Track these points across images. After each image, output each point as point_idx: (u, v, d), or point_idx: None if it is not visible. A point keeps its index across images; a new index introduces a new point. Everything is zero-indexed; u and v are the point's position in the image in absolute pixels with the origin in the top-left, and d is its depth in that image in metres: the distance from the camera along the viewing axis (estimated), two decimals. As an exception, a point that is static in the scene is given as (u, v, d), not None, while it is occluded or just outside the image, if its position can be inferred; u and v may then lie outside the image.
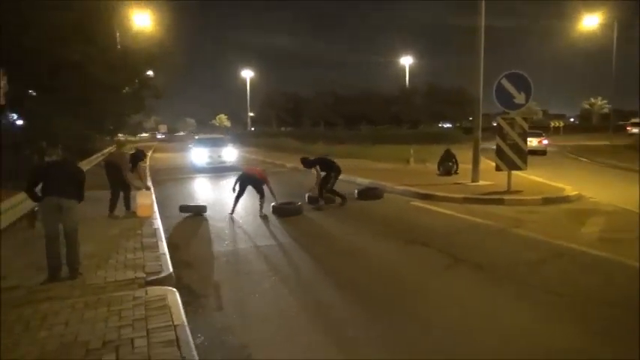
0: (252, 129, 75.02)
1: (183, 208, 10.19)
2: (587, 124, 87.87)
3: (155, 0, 25.75)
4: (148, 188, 10.69)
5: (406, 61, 66.40)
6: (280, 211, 9.77)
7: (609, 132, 42.80)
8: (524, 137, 11.35)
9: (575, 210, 9.71)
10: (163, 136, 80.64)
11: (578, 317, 4.47)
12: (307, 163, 10.97)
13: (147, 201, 9.42)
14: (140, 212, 9.24)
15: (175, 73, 28.71)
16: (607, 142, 38.37)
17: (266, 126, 79.08)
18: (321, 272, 6.09)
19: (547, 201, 10.42)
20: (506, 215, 9.24)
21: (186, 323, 4.17)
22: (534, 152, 26.49)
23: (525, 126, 11.39)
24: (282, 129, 74.63)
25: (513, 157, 11.29)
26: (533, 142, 28.92)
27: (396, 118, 73.86)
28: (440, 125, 76.25)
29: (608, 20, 40.09)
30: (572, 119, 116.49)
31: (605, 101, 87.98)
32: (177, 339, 3.85)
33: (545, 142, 29.52)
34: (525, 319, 4.47)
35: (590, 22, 40.99)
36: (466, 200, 10.68)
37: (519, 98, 11.30)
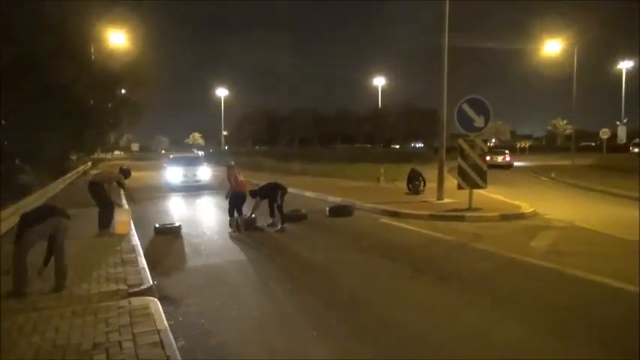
0: (227, 147, 75.18)
1: (158, 230, 10.32)
2: (552, 145, 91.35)
3: (131, 17, 26.16)
4: (122, 206, 10.96)
5: (379, 81, 68.00)
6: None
7: (571, 152, 44.87)
8: (483, 158, 12.15)
9: (528, 226, 10.48)
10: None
11: (524, 318, 5.10)
12: (253, 194, 11.10)
13: (124, 218, 9.74)
14: (118, 229, 9.56)
15: (150, 91, 28.96)
16: (569, 162, 40.12)
17: (241, 145, 79.41)
18: (291, 283, 6.57)
19: (504, 217, 11.18)
20: (466, 231, 9.93)
21: (168, 328, 4.60)
22: (501, 167, 33.88)
23: (485, 147, 12.22)
24: (257, 147, 75.11)
25: (474, 177, 12.07)
26: (498, 158, 35.76)
27: (370, 136, 75.32)
28: (413, 144, 78.06)
29: (570, 46, 42.30)
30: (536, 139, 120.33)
31: (565, 122, 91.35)
32: (162, 341, 4.28)
33: (508, 158, 35.99)
34: (477, 319, 5.07)
35: (553, 47, 43.27)
36: (431, 217, 11.36)
37: (479, 122, 12.14)
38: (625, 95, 50.62)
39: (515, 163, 39.50)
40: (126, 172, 10.77)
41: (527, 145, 66.87)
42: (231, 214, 10.57)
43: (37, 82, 15.46)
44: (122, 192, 11.47)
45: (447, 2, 13.58)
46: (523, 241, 8.93)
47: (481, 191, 15.47)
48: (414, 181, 16.25)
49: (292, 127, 72.56)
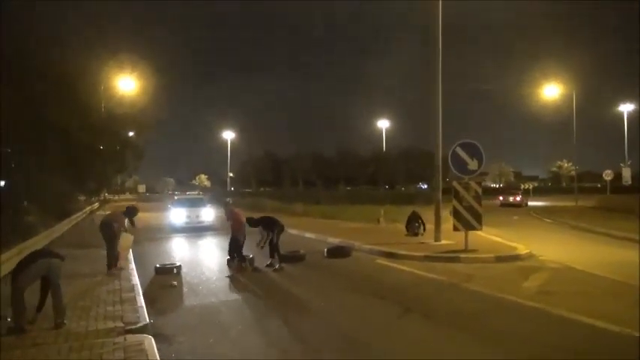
0: (232, 189, 75.83)
1: (159, 270, 10.50)
2: (557, 186, 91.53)
3: (139, 61, 27.26)
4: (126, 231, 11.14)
5: (383, 124, 69.08)
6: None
7: (575, 194, 45.12)
8: (478, 200, 12.41)
9: (522, 267, 10.61)
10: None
11: (507, 356, 5.25)
12: (252, 222, 11.18)
13: (128, 242, 10.19)
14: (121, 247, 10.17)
15: (155, 133, 29.92)
16: (573, 204, 40.18)
17: (246, 186, 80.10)
18: (283, 321, 6.74)
19: (499, 259, 11.33)
20: (460, 271, 10.08)
21: (160, 364, 4.79)
22: (514, 205, 40.57)
23: (479, 190, 12.50)
24: (262, 189, 75.72)
25: (469, 218, 12.29)
26: (510, 198, 42.42)
27: (373, 178, 75.81)
28: (417, 186, 78.34)
29: (568, 90, 43.24)
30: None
31: (570, 164, 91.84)
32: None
33: (519, 198, 41.70)
34: (459, 356, 5.22)
35: (551, 91, 44.25)
36: (426, 258, 11.52)
37: (472, 165, 12.48)
38: (628, 137, 51.16)
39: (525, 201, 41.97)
40: (132, 210, 11.05)
41: (530, 187, 67.02)
42: (231, 255, 10.82)
43: (44, 128, 16.06)
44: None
45: (440, 50, 14.22)
46: (515, 282, 9.06)
47: (480, 233, 15.65)
48: (413, 223, 16.44)
49: (295, 169, 73.35)
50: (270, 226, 11.13)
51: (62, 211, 20.00)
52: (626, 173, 51.42)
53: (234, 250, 10.78)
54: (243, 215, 11.42)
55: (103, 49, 22.54)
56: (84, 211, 26.22)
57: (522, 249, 12.48)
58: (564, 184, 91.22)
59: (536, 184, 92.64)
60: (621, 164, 52.43)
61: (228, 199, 11.21)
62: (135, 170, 37.45)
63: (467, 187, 12.40)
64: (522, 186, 66.45)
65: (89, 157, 20.85)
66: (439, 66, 14.19)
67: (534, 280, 9.12)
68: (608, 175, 48.07)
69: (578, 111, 41.55)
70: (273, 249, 10.96)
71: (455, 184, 12.48)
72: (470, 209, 12.32)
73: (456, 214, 12.35)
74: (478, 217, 12.40)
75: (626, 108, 51.44)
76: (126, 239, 10.39)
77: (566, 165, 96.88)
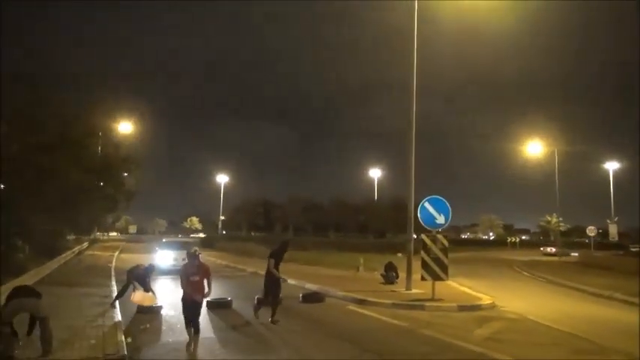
0: (224, 232, 76.13)
1: (141, 309, 11.14)
2: (546, 240, 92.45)
3: (137, 104, 28.56)
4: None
5: (375, 173, 70.36)
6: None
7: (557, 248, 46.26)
8: (444, 252, 13.26)
9: (481, 316, 11.36)
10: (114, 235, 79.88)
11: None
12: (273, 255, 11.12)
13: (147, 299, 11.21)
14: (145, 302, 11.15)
15: (150, 175, 30.86)
16: (556, 258, 41.03)
17: (237, 230, 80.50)
18: (248, 354, 7.47)
19: (461, 308, 12.09)
20: (421, 319, 10.82)
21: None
22: (551, 255, 49.22)
23: (445, 242, 13.38)
24: (253, 233, 76.10)
25: (436, 269, 13.10)
26: (547, 249, 52.85)
27: (363, 226, 76.45)
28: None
29: (550, 148, 45.07)
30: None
31: (559, 219, 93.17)
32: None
33: (554, 250, 50.75)
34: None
35: (534, 149, 46.05)
36: (393, 305, 12.27)
37: (440, 219, 13.45)
38: (614, 194, 52.51)
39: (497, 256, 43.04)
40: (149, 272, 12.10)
41: (517, 240, 67.99)
42: (186, 324, 8.02)
43: (39, 169, 16.86)
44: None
45: (414, 106, 15.48)
46: (469, 329, 9.81)
47: (452, 283, 16.47)
48: (389, 272, 17.22)
49: (287, 215, 74.18)
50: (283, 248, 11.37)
51: (52, 249, 20.61)
52: (613, 230, 52.56)
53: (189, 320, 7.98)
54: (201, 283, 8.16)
55: (102, 92, 23.76)
56: (72, 250, 26.72)
57: (486, 299, 13.25)
58: (552, 238, 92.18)
59: (524, 238, 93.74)
60: (608, 220, 53.68)
61: (195, 249, 8.82)
62: (125, 211, 38.05)
63: (434, 240, 13.29)
64: (508, 239, 67.38)
65: (81, 198, 21.60)
66: (413, 127, 15.42)
67: (487, 328, 9.88)
68: (591, 231, 49.23)
69: (565, 168, 43.28)
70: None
71: (423, 236, 13.38)
72: (437, 260, 13.15)
73: (423, 264, 13.18)
74: (444, 268, 13.21)
75: (611, 166, 53.23)
76: (147, 298, 11.34)
77: (555, 220, 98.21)
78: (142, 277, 11.65)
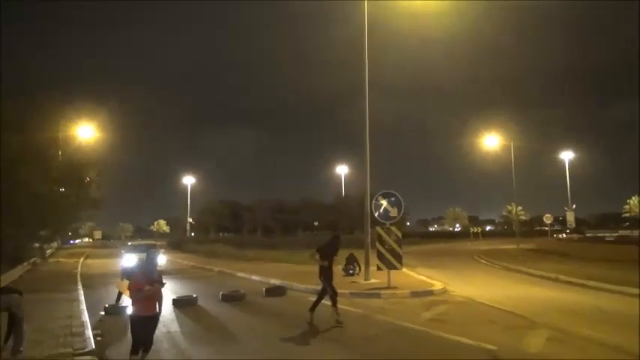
0: (193, 234, 75.64)
1: (107, 310, 11.63)
2: (510, 229, 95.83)
3: (99, 107, 28.34)
4: None
5: (342, 170, 71.23)
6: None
7: (519, 237, 48.38)
8: (399, 243, 14.13)
9: (431, 301, 12.27)
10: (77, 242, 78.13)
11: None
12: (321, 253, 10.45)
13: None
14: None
15: (114, 179, 30.64)
16: (515, 246, 42.87)
17: (205, 232, 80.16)
18: (209, 345, 8.09)
19: (414, 294, 12.98)
20: (376, 305, 11.64)
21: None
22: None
23: (399, 234, 14.24)
24: (221, 234, 75.94)
25: (391, 259, 13.96)
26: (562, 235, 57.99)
27: (333, 224, 77.28)
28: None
29: (507, 141, 46.96)
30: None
31: (520, 209, 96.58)
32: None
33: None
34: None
35: (491, 142, 47.85)
36: (352, 295, 13.05)
37: (393, 212, 14.32)
38: (570, 183, 55.07)
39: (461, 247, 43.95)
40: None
41: (479, 231, 70.34)
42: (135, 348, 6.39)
43: None
44: None
45: (367, 102, 16.32)
46: (418, 312, 10.69)
47: (410, 272, 17.40)
48: (350, 265, 18.03)
49: (254, 216, 74.42)
50: (334, 244, 10.54)
51: (16, 259, 20.51)
52: (570, 217, 55.31)
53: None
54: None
55: (62, 96, 23.49)
56: (33, 259, 26.48)
57: (438, 286, 14.20)
58: (515, 228, 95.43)
59: (488, 228, 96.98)
60: (565, 208, 56.31)
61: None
62: (89, 218, 37.68)
63: (388, 232, 14.14)
64: (471, 230, 69.59)
65: (43, 206, 21.46)
66: (367, 127, 16.26)
67: (433, 311, 10.77)
68: (548, 218, 51.72)
69: (525, 160, 45.28)
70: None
71: (378, 229, 14.21)
72: (391, 251, 14.01)
73: (379, 255, 14.01)
74: (399, 258, 14.09)
75: (566, 156, 55.87)
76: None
77: (516, 209, 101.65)
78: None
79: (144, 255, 20.41)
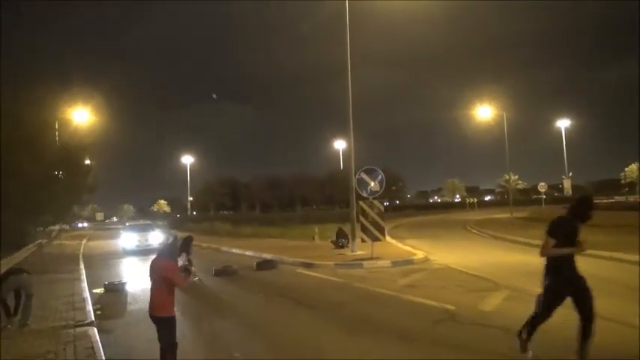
0: (194, 213, 76.70)
1: (108, 287, 12.40)
2: (506, 199, 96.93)
3: (96, 91, 28.82)
4: None
5: (339, 144, 71.64)
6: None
7: (514, 206, 49.34)
8: (381, 215, 14.88)
9: (410, 269, 13.09)
10: (85, 225, 79.21)
11: (343, 325, 7.58)
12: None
13: None
14: None
15: (115, 161, 31.41)
16: (509, 215, 43.68)
17: (205, 211, 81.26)
18: (206, 315, 8.91)
19: (395, 263, 13.80)
20: (358, 275, 12.46)
21: (100, 342, 6.87)
22: None
23: (381, 207, 14.98)
24: (221, 212, 77.02)
25: (373, 231, 14.74)
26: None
27: (330, 198, 78.30)
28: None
29: (500, 112, 47.29)
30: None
31: (517, 178, 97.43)
32: (94, 349, 6.56)
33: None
34: (310, 326, 7.53)
35: (484, 113, 48.21)
36: (336, 266, 13.89)
37: (375, 186, 15.03)
38: (568, 151, 55.57)
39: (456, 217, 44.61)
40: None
41: (475, 201, 71.34)
42: None
43: None
44: None
45: (349, 83, 16.86)
46: (395, 280, 11.49)
47: (398, 244, 18.22)
48: (340, 238, 18.86)
49: (252, 193, 75.31)
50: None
51: (19, 243, 21.25)
52: (567, 184, 56.12)
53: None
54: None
55: (58, 80, 24.01)
56: (36, 243, 27.31)
57: (420, 255, 15.03)
58: (511, 197, 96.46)
59: (488, 198, 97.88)
60: (562, 176, 57.03)
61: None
62: (89, 201, 38.49)
63: (371, 206, 14.87)
64: (467, 200, 70.53)
65: (43, 191, 22.15)
66: (350, 103, 16.83)
67: (409, 278, 11.58)
68: (542, 187, 52.44)
69: (519, 129, 45.55)
70: None
71: (361, 203, 14.95)
72: (374, 224, 14.77)
73: (362, 228, 14.79)
74: (381, 230, 14.87)
75: (563, 124, 56.23)
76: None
77: (513, 179, 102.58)
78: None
79: (140, 234, 21.46)
